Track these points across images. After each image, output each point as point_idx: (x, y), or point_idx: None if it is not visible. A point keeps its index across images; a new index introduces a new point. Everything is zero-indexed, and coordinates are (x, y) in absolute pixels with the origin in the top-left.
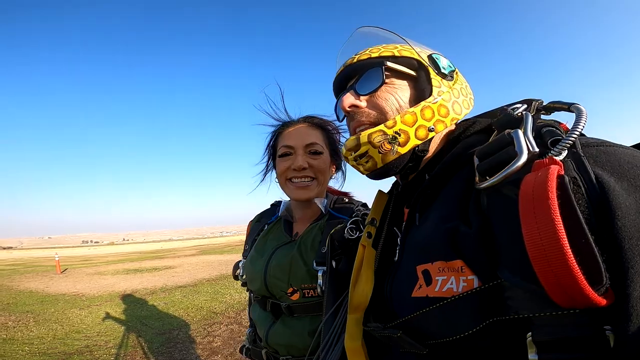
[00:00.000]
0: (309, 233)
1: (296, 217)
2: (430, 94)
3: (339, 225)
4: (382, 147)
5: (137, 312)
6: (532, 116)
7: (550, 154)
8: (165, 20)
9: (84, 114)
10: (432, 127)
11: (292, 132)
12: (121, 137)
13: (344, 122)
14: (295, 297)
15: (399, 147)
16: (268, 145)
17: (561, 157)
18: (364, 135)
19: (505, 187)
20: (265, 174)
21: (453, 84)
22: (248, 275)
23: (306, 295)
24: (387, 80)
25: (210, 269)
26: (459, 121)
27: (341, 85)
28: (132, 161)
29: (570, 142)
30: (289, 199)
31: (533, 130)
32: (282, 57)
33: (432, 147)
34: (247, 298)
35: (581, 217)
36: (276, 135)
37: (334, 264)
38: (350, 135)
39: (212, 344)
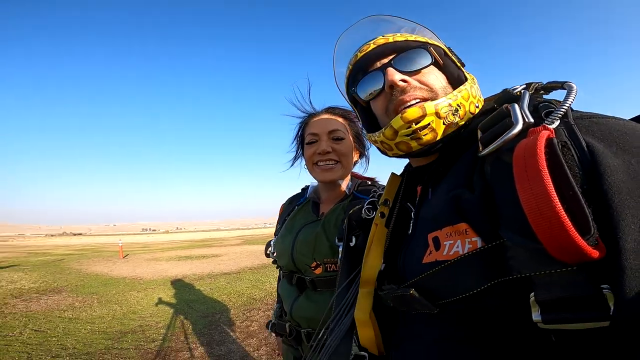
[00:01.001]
0: (332, 212)
1: (323, 198)
2: (466, 79)
3: (358, 206)
4: (447, 118)
5: (185, 296)
6: (531, 95)
7: (543, 124)
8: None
9: (144, 105)
10: (477, 104)
11: (316, 121)
12: (174, 130)
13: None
14: (319, 271)
15: (459, 120)
16: (297, 135)
17: (554, 125)
18: (430, 106)
19: (504, 154)
20: (294, 160)
21: (468, 75)
22: (278, 251)
23: (328, 270)
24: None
25: (253, 258)
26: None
27: (364, 65)
28: (187, 154)
29: (562, 112)
30: (317, 182)
31: (530, 105)
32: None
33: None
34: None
35: (568, 171)
36: (303, 126)
37: (354, 240)
38: (391, 112)
39: (249, 328)
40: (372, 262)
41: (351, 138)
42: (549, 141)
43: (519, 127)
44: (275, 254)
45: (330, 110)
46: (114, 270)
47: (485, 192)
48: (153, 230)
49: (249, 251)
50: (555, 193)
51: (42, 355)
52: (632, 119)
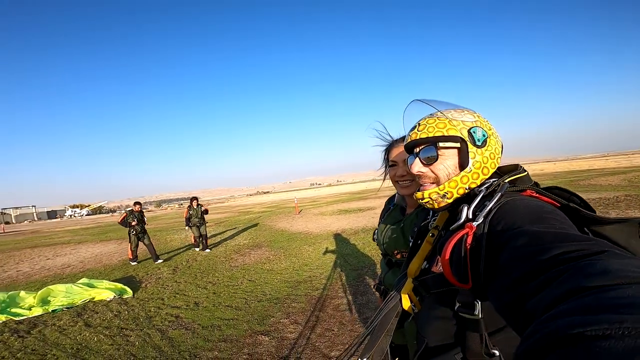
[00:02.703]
0: (410, 216)
1: (407, 203)
2: (467, 165)
3: (427, 219)
4: (436, 200)
5: (343, 249)
6: (486, 193)
7: (471, 222)
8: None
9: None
10: (468, 187)
11: (395, 149)
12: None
13: None
14: (399, 256)
15: (447, 200)
16: (384, 157)
17: (477, 222)
18: (426, 193)
19: (456, 231)
20: (385, 176)
21: (485, 151)
22: (376, 240)
23: (404, 256)
24: (439, 153)
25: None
26: (489, 175)
27: (410, 148)
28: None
29: (483, 214)
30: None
31: (476, 204)
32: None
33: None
34: None
35: (463, 251)
36: (387, 151)
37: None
38: (418, 185)
39: None
40: (414, 264)
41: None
42: (462, 236)
43: (461, 222)
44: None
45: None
46: (293, 226)
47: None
48: (319, 185)
49: None
50: (448, 263)
51: (253, 300)
52: (546, 188)
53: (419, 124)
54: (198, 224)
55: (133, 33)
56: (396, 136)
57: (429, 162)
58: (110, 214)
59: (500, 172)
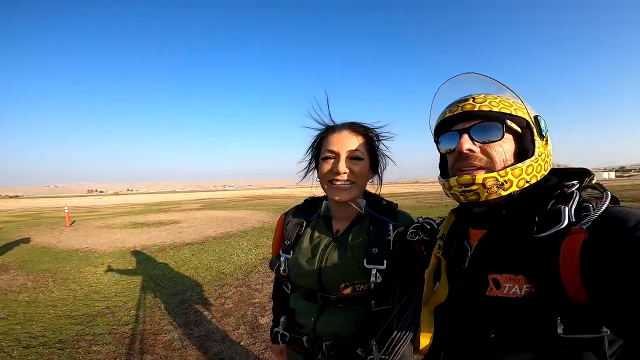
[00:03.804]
0: (355, 235)
1: (336, 215)
2: (533, 153)
3: (401, 228)
4: (491, 189)
5: (150, 270)
6: (580, 193)
7: (579, 225)
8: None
9: (97, 57)
10: (529, 180)
11: (336, 137)
12: (129, 81)
13: (385, 128)
14: (347, 291)
15: (503, 191)
16: (312, 146)
17: (587, 225)
18: (479, 178)
19: (552, 238)
20: (307, 172)
21: (546, 144)
22: (297, 272)
23: (357, 290)
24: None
25: (215, 225)
26: (547, 172)
27: (449, 123)
28: (136, 109)
29: (594, 217)
30: (324, 195)
31: (576, 205)
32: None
33: (511, 190)
34: (254, 266)
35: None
36: (320, 139)
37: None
38: (452, 169)
39: (224, 306)
40: (443, 291)
41: (369, 158)
42: (583, 243)
43: (564, 225)
44: (289, 274)
45: (353, 126)
46: (62, 241)
47: (537, 259)
48: (101, 192)
49: (210, 217)
50: (579, 275)
51: (11, 346)
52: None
53: (473, 97)
54: None
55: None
56: (338, 121)
57: (488, 140)
58: None
59: (557, 174)
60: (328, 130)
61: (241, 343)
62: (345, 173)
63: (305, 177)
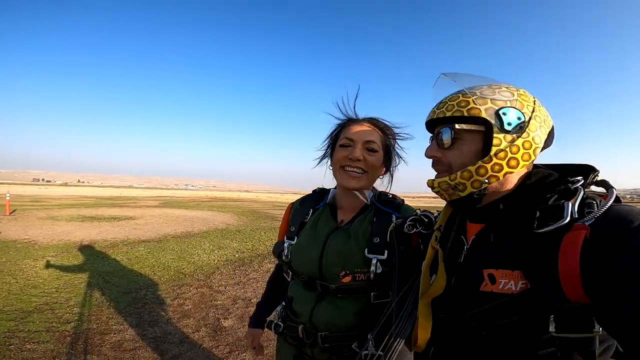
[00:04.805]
0: (359, 224)
1: (342, 205)
2: (487, 153)
3: (399, 220)
4: (447, 192)
5: (98, 267)
6: (585, 189)
7: (581, 222)
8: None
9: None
10: (486, 180)
11: (355, 127)
12: (87, 63)
13: (405, 129)
14: (347, 280)
15: (460, 192)
16: (331, 135)
17: (589, 222)
18: (435, 182)
19: (552, 235)
20: (322, 158)
21: (517, 137)
22: (299, 259)
23: (357, 279)
24: (456, 137)
25: (175, 224)
26: (518, 168)
27: (431, 128)
28: (92, 93)
29: (597, 215)
30: (333, 187)
31: (579, 201)
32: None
33: (508, 184)
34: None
35: (588, 258)
36: (340, 128)
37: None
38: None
39: (183, 307)
40: (440, 281)
41: (383, 153)
42: (584, 240)
43: (566, 221)
44: (290, 260)
45: (373, 120)
46: (1, 231)
47: (535, 254)
48: (48, 182)
49: (169, 215)
50: (579, 272)
51: None
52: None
53: (441, 102)
54: None
55: None
56: (362, 116)
57: (445, 146)
58: None
59: (560, 170)
60: (349, 121)
61: (202, 346)
62: (359, 160)
63: (320, 162)
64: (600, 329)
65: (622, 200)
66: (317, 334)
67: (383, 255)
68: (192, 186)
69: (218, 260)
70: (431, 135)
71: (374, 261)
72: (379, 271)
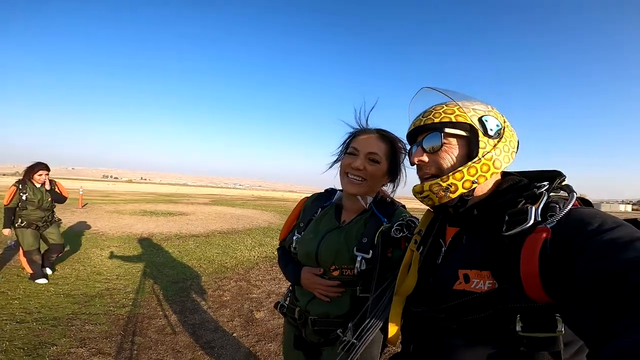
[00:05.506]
0: (354, 224)
1: (345, 206)
2: (476, 155)
3: (387, 225)
4: (438, 194)
5: (153, 257)
6: (549, 194)
7: (544, 224)
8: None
9: (117, 44)
10: (475, 180)
11: (363, 138)
12: (150, 73)
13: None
14: (336, 273)
15: (451, 194)
16: (344, 142)
17: (551, 225)
18: (426, 185)
19: (517, 237)
20: (334, 163)
21: (497, 143)
22: (301, 251)
23: (344, 274)
24: (445, 141)
25: (222, 221)
26: (501, 169)
27: (413, 137)
28: (155, 99)
29: (558, 217)
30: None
31: (543, 205)
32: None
33: (483, 190)
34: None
35: (544, 259)
36: (352, 137)
37: (372, 253)
38: (419, 178)
39: (222, 298)
40: (411, 281)
41: (387, 164)
42: (544, 242)
43: (530, 224)
44: (297, 251)
45: (381, 132)
46: (72, 222)
47: (502, 256)
48: (115, 178)
49: (218, 212)
50: (539, 273)
51: (5, 320)
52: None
53: (424, 111)
54: (41, 222)
55: None
56: (373, 126)
57: (433, 150)
58: None
59: (530, 176)
60: (359, 131)
61: (234, 334)
62: (359, 169)
63: (331, 166)
64: (564, 328)
65: (631, 208)
66: (308, 317)
67: (368, 254)
68: (241, 185)
69: (258, 257)
70: (413, 145)
71: (359, 258)
72: (362, 268)
